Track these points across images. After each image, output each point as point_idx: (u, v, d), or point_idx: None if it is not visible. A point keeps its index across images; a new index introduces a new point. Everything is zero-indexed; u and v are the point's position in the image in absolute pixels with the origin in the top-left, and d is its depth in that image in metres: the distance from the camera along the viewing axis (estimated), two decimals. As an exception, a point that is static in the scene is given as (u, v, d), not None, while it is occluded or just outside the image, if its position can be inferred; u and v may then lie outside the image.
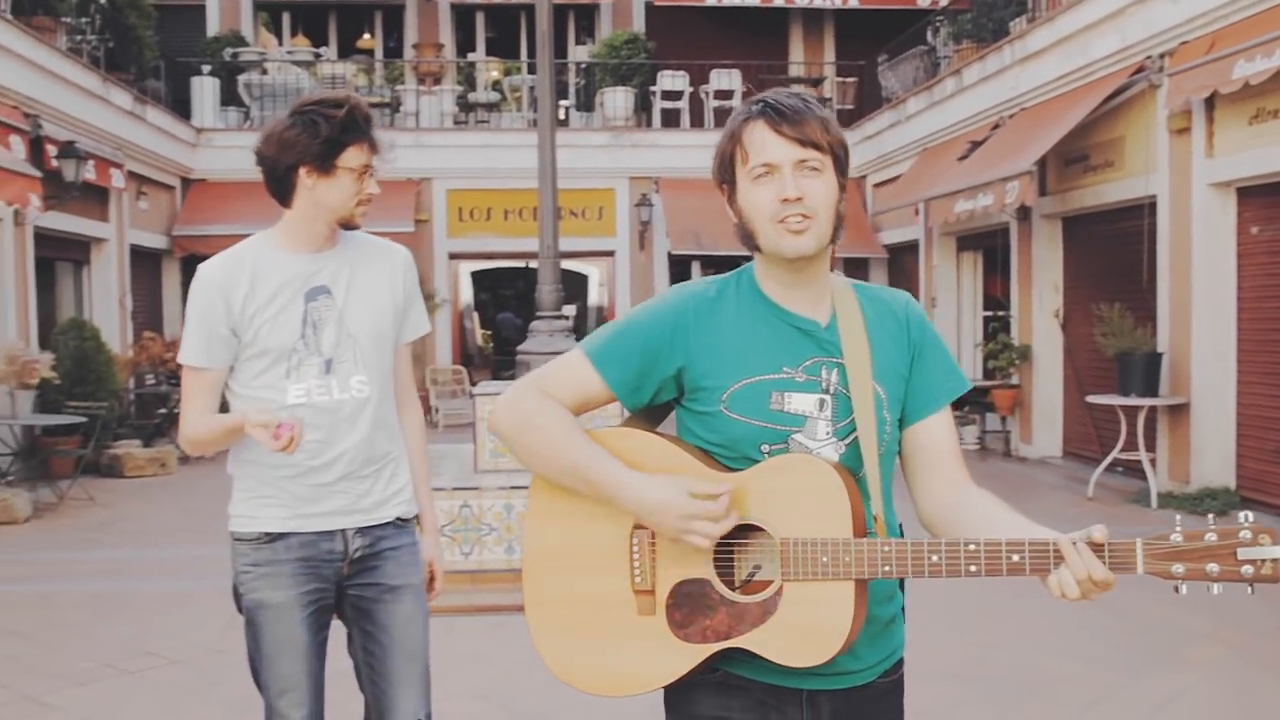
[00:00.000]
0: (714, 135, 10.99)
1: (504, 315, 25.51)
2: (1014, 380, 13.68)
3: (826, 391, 2.07)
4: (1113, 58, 11.11)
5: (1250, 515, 1.79)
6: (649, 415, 2.23)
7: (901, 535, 2.07)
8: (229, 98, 19.41)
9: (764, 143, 2.03)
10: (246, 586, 3.02)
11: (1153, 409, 10.40)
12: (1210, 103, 9.69)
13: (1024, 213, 13.14)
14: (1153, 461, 10.38)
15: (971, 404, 14.63)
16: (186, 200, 18.22)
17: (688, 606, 2.01)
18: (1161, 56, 10.34)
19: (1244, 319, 9.81)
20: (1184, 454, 10.19)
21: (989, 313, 15.52)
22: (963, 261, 16.04)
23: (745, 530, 2.00)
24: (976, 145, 13.46)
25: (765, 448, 2.05)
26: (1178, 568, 1.78)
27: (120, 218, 15.44)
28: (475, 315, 22.44)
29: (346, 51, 21.85)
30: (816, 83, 21.11)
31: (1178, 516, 1.88)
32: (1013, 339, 13.70)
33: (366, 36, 22.09)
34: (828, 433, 2.06)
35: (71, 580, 7.98)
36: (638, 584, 2.03)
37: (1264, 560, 1.76)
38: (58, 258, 14.32)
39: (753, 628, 1.97)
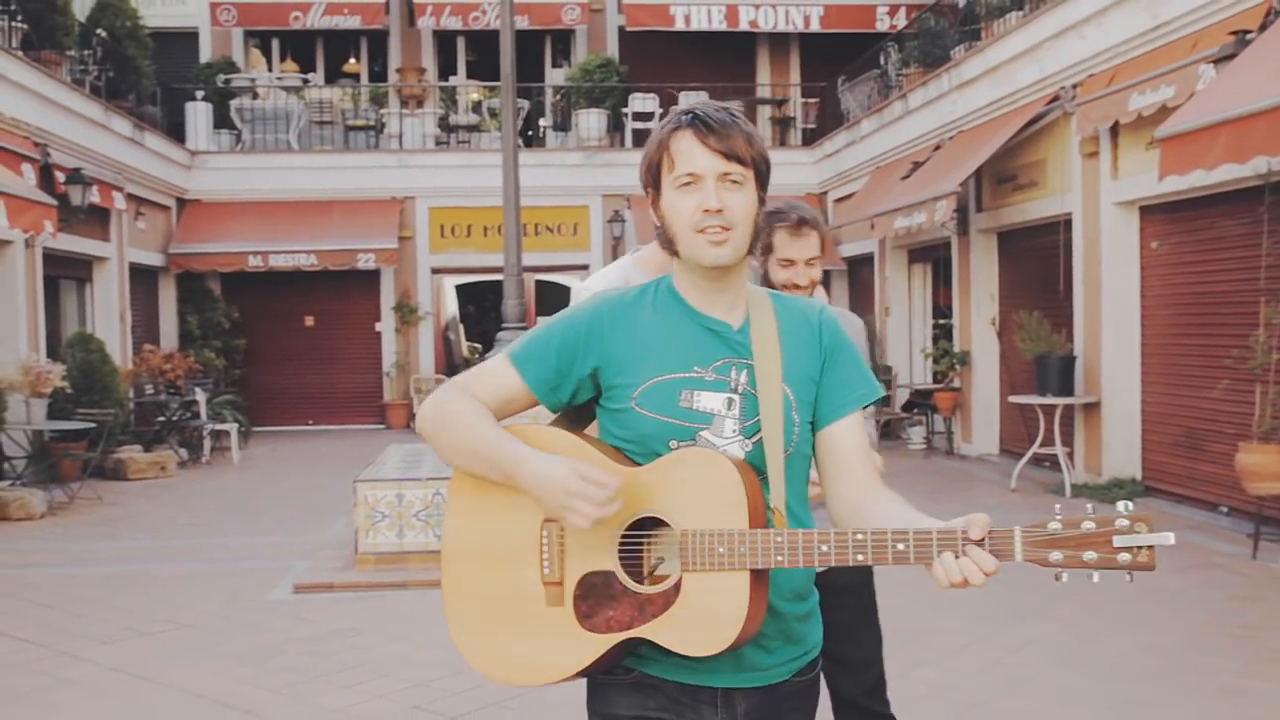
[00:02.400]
0: None
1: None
2: (955, 384, 14.70)
3: (735, 391, 2.13)
4: (1033, 87, 12.16)
5: (1130, 505, 1.82)
6: (575, 418, 2.30)
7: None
8: (221, 121, 20.35)
9: (690, 153, 2.09)
10: None
11: (1069, 407, 11.41)
12: (1114, 129, 10.72)
13: (963, 227, 14.18)
14: (1070, 455, 11.40)
15: (919, 406, 15.70)
16: (181, 220, 19.17)
17: (593, 598, 2.05)
18: (1074, 87, 11.38)
19: (1146, 325, 10.84)
20: (1096, 448, 11.22)
21: (937, 321, 16.56)
22: (913, 273, 17.07)
23: (652, 524, 2.05)
24: (918, 165, 14.49)
25: (673, 444, 2.11)
26: (1055, 555, 1.82)
27: (120, 237, 16.41)
28: (460, 328, 23.36)
29: (333, 76, 22.81)
30: (781, 103, 22.17)
31: (1057, 506, 1.94)
32: (953, 345, 14.72)
33: (352, 61, 23.03)
34: (734, 430, 2.12)
35: (89, 565, 8.94)
36: (547, 576, 2.08)
37: (1140, 548, 1.78)
38: (62, 276, 15.27)
39: (653, 618, 2.02)
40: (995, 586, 6.95)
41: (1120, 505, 1.82)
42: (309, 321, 20.37)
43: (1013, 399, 12.13)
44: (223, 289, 19.69)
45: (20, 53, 13.36)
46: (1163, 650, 6.17)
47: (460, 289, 23.94)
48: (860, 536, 1.92)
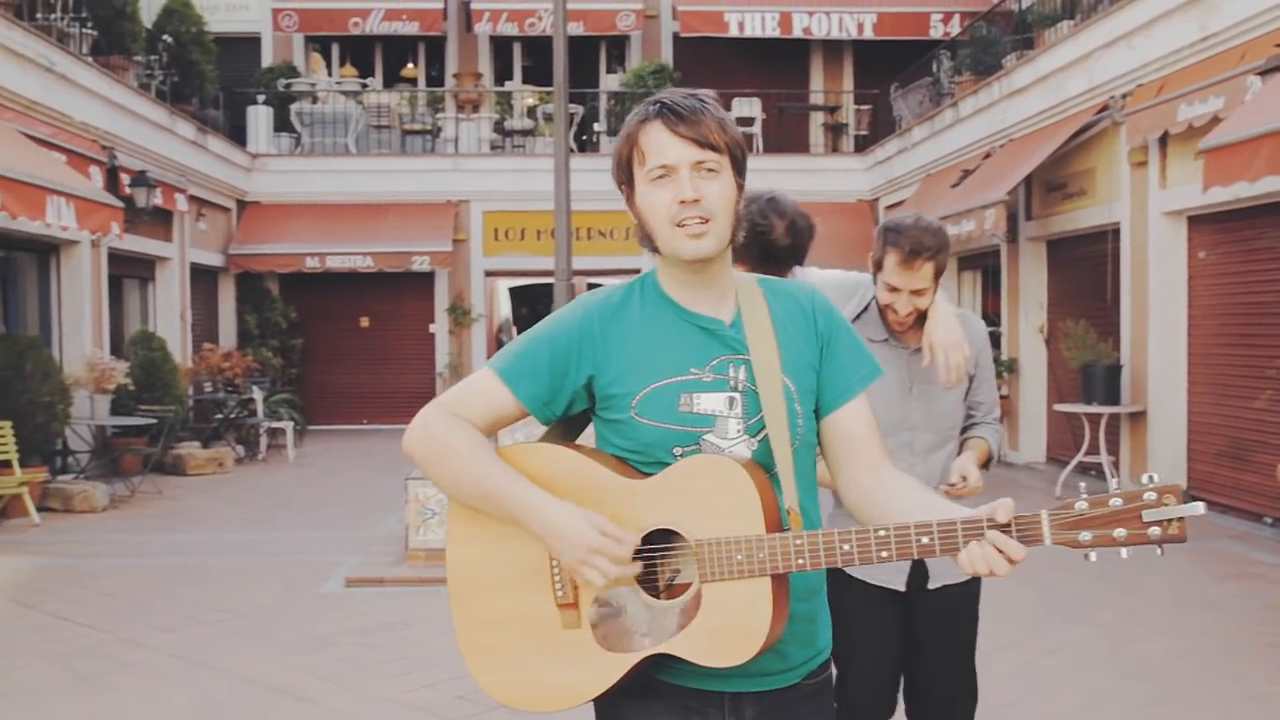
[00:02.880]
0: None
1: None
2: (1003, 392, 14.73)
3: (735, 389, 2.07)
4: (1082, 96, 12.20)
5: (1155, 476, 1.79)
6: (567, 426, 2.23)
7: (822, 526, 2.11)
8: (281, 124, 20.75)
9: (660, 144, 2.02)
10: None
11: (1115, 416, 11.44)
12: (1163, 139, 10.75)
13: (1012, 235, 14.21)
14: (1115, 464, 11.42)
15: (967, 413, 15.68)
16: (241, 221, 19.57)
17: (611, 617, 2.02)
18: (1123, 97, 11.41)
19: (1193, 335, 10.85)
20: (1142, 457, 11.23)
21: (988, 329, 16.57)
22: (963, 280, 17.10)
23: (664, 535, 2.00)
24: (968, 173, 14.55)
25: (678, 450, 2.05)
26: (1085, 535, 1.77)
27: (182, 238, 16.80)
28: (513, 329, 23.62)
29: (391, 81, 23.16)
30: (834, 109, 22.23)
31: (1082, 484, 1.95)
32: (1001, 353, 14.75)
33: (410, 66, 23.36)
34: (739, 430, 2.06)
35: (149, 556, 9.23)
36: (560, 598, 2.03)
37: (1170, 520, 1.75)
38: (126, 275, 15.66)
39: (676, 632, 1.97)
40: (1031, 591, 7.07)
41: (1145, 478, 1.79)
42: (364, 322, 20.71)
43: (1058, 407, 12.16)
44: (280, 289, 20.07)
45: (90, 59, 13.74)
46: (1193, 656, 6.24)
47: (513, 291, 24.23)
48: (883, 533, 1.88)
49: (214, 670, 6.16)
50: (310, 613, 7.40)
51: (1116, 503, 1.78)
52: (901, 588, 3.37)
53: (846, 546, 1.90)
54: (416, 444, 2.11)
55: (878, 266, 3.33)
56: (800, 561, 1.91)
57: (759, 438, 2.06)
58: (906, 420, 3.36)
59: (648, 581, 2.01)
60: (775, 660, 2.07)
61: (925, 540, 1.87)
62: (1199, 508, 1.76)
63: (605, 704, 2.13)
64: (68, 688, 5.87)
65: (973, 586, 3.50)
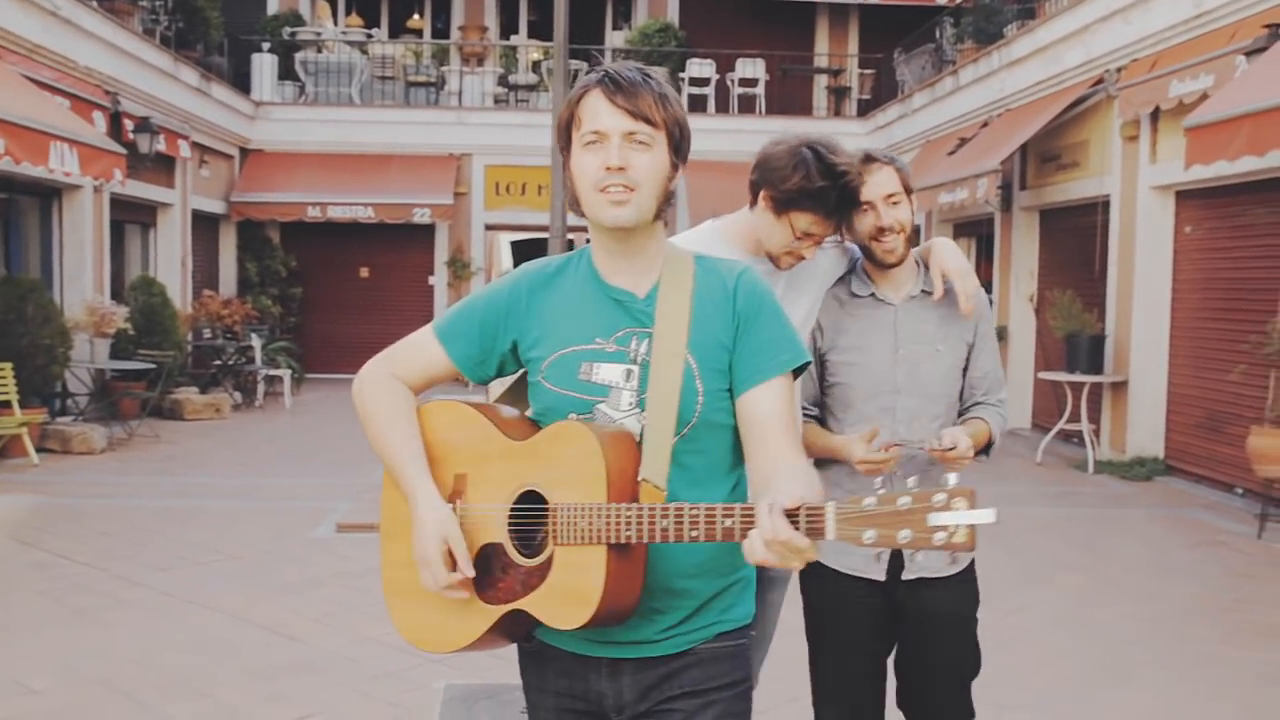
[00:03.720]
0: (738, 120, 13.07)
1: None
2: (992, 358, 14.88)
3: (634, 362, 2.11)
4: (1080, 69, 12.30)
5: (954, 478, 1.68)
6: (520, 389, 2.34)
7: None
8: (286, 73, 20.81)
9: (596, 111, 2.06)
10: None
11: (1097, 385, 11.63)
12: (1155, 114, 10.87)
13: (1006, 204, 14.34)
14: (1096, 432, 11.63)
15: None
16: (244, 169, 19.67)
17: (487, 570, 2.09)
18: (1118, 70, 11.52)
19: (1176, 308, 11.02)
20: (1122, 426, 11.44)
21: (980, 295, 16.72)
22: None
23: (542, 496, 2.06)
24: (964, 141, 14.66)
25: (575, 417, 2.10)
26: (869, 534, 1.71)
27: (184, 185, 16.92)
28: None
29: (397, 32, 23.20)
30: (838, 73, 22.29)
31: (877, 481, 1.93)
32: (992, 320, 14.89)
33: (416, 18, 23.41)
34: (630, 403, 2.10)
35: (145, 498, 9.45)
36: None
37: (957, 526, 1.66)
38: (127, 221, 15.78)
39: (531, 591, 2.03)
40: (1002, 555, 7.29)
41: (949, 477, 1.68)
42: (364, 273, 20.87)
43: (1042, 375, 12.36)
44: (281, 238, 20.21)
45: (95, 3, 13.81)
46: (1154, 618, 6.47)
47: (515, 245, 24.38)
48: (695, 513, 1.87)
49: (207, 609, 6.38)
50: (301, 556, 7.62)
51: (905, 502, 1.69)
52: (880, 577, 3.15)
53: (664, 523, 1.89)
54: (355, 398, 2.28)
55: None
56: (628, 533, 1.92)
57: (646, 409, 2.09)
58: (891, 382, 3.15)
59: (525, 539, 2.06)
60: (649, 629, 2.10)
61: (728, 523, 1.85)
62: (989, 515, 1.64)
63: (521, 667, 2.28)
64: (64, 622, 6.10)
65: (966, 588, 3.25)
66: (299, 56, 20.74)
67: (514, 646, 2.26)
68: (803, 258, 3.00)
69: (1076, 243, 12.95)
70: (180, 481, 10.28)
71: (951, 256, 3.19)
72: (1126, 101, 11.03)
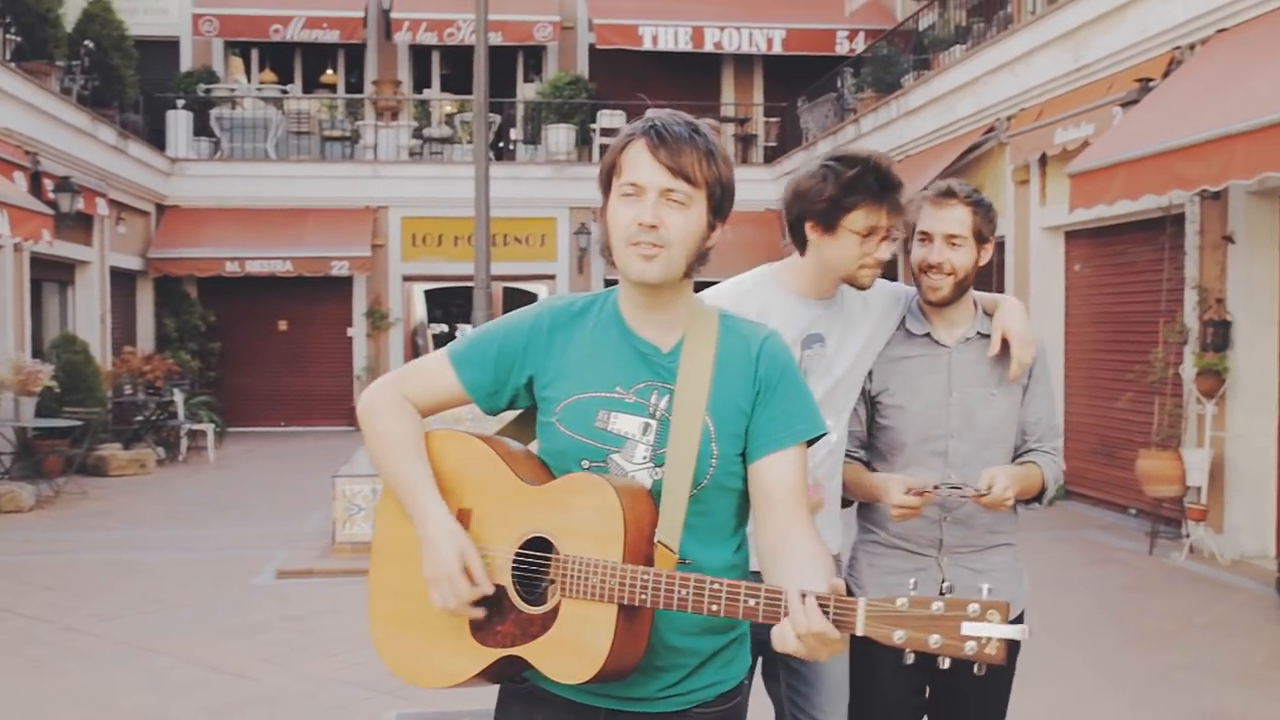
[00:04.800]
0: None
1: (464, 328, 27.14)
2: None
3: (653, 416, 2.09)
4: (972, 117, 13.01)
5: (988, 589, 1.73)
6: (526, 422, 2.32)
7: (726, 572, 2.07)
8: (201, 129, 20.97)
9: (637, 163, 2.04)
10: None
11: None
12: (1043, 159, 11.56)
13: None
14: (1000, 462, 12.22)
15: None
16: (161, 225, 19.75)
17: (486, 612, 2.07)
18: (1008, 119, 12.23)
19: (1070, 341, 11.70)
20: (1023, 455, 12.03)
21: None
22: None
23: (550, 543, 2.04)
24: (867, 187, 15.28)
25: (585, 463, 2.09)
26: (899, 634, 1.71)
27: (103, 243, 17.00)
28: (428, 332, 24.02)
29: (310, 87, 23.45)
30: (744, 121, 22.98)
31: (912, 580, 1.86)
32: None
33: (329, 73, 23.68)
34: (645, 457, 2.08)
35: (81, 553, 9.59)
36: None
37: (988, 639, 1.67)
38: (46, 279, 15.84)
39: (532, 639, 2.01)
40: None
41: (981, 589, 1.73)
42: (283, 326, 21.01)
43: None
44: (199, 293, 20.28)
45: (13, 64, 13.96)
46: (1053, 630, 6.97)
47: (429, 294, 24.65)
48: (716, 587, 1.86)
49: (158, 653, 6.62)
50: (245, 602, 7.86)
51: (938, 607, 1.70)
52: None
53: (684, 592, 1.89)
54: (362, 414, 2.25)
55: (910, 236, 3.13)
56: (643, 597, 1.91)
57: (664, 469, 2.08)
58: (944, 426, 3.06)
59: (527, 584, 2.06)
60: (653, 686, 2.09)
61: (751, 603, 1.84)
62: (1016, 631, 1.67)
63: (499, 706, 2.24)
64: (22, 671, 6.30)
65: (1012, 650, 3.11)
66: (214, 113, 20.92)
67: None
68: (881, 262, 2.89)
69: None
70: (114, 536, 10.42)
71: (1017, 320, 3.11)
72: (1016, 148, 11.72)
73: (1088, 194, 8.51)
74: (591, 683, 1.97)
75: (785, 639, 1.77)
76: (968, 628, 1.68)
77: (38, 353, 14.56)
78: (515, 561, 2.06)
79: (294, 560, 8.94)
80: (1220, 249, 9.11)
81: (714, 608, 1.87)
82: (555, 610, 2.00)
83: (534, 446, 2.26)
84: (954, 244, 3.04)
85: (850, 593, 2.84)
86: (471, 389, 2.21)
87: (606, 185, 2.12)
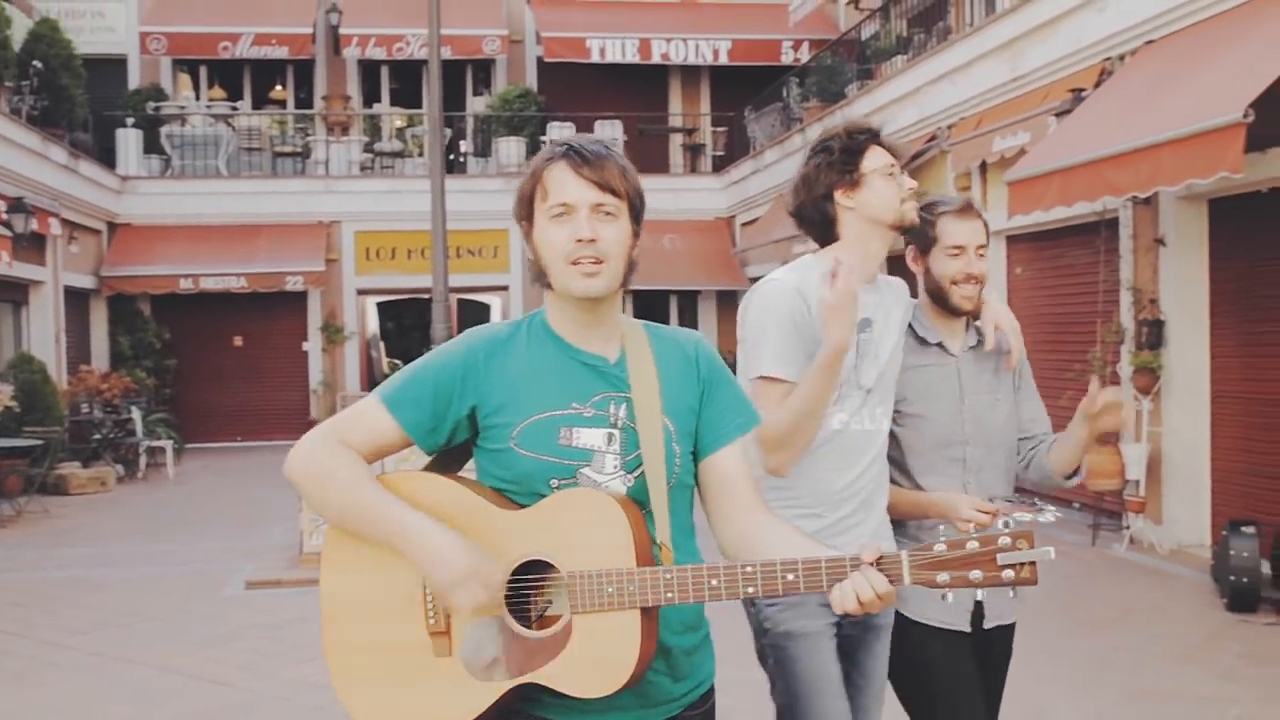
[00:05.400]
0: None
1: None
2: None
3: (614, 426, 2.12)
4: (914, 126, 13.36)
5: (1010, 521, 1.89)
6: (450, 458, 2.29)
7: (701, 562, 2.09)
8: (151, 146, 21.00)
9: (563, 183, 2.08)
10: (774, 620, 2.95)
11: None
12: (983, 167, 11.93)
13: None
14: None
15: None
16: (113, 243, 19.78)
17: (482, 645, 2.06)
18: (949, 128, 12.59)
19: (1013, 343, 12.04)
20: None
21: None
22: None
23: (536, 567, 2.04)
24: (814, 195, 15.62)
25: (555, 482, 2.09)
26: (943, 576, 1.85)
27: (56, 262, 17.04)
28: (381, 345, 24.14)
29: (260, 103, 23.51)
30: (691, 131, 23.30)
31: (941, 526, 2.01)
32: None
33: (279, 89, 23.76)
34: (615, 466, 2.11)
35: (48, 570, 9.70)
36: (432, 626, 2.06)
37: (1023, 564, 1.83)
38: (-1, 299, 15.91)
39: (546, 662, 2.00)
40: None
41: (1000, 523, 1.90)
42: (238, 341, 21.08)
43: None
44: (153, 310, 20.33)
45: (-36, 88, 14.03)
46: (999, 621, 7.29)
47: (381, 306, 24.79)
48: (750, 569, 1.93)
49: (135, 664, 6.78)
50: (216, 613, 8.03)
51: (973, 546, 1.85)
52: (966, 628, 3.22)
53: (715, 582, 1.95)
54: (299, 470, 2.15)
55: (929, 245, 3.20)
56: (670, 595, 1.96)
57: (635, 474, 2.13)
58: (960, 433, 3.19)
59: (519, 612, 2.04)
60: (649, 694, 2.13)
61: (790, 577, 1.92)
62: (1050, 553, 1.85)
63: None
64: (2, 682, 6.44)
65: (1011, 631, 3.42)
66: (164, 130, 20.96)
67: None
68: (915, 190, 2.98)
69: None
70: (79, 553, 10.52)
71: (1007, 313, 3.26)
72: (957, 156, 12.08)
73: (1025, 201, 8.86)
74: (621, 690, 1.99)
75: (846, 599, 1.88)
76: (1004, 558, 1.84)
77: (-7, 373, 14.60)
78: (510, 589, 2.05)
79: (262, 571, 9.09)
80: (1153, 251, 9.50)
81: (750, 589, 1.94)
82: (567, 629, 2.00)
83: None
84: (981, 254, 3.19)
85: (897, 613, 3.14)
86: (411, 429, 2.17)
87: (528, 212, 2.17)
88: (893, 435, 3.16)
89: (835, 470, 2.94)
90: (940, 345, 3.23)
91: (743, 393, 2.31)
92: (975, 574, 1.85)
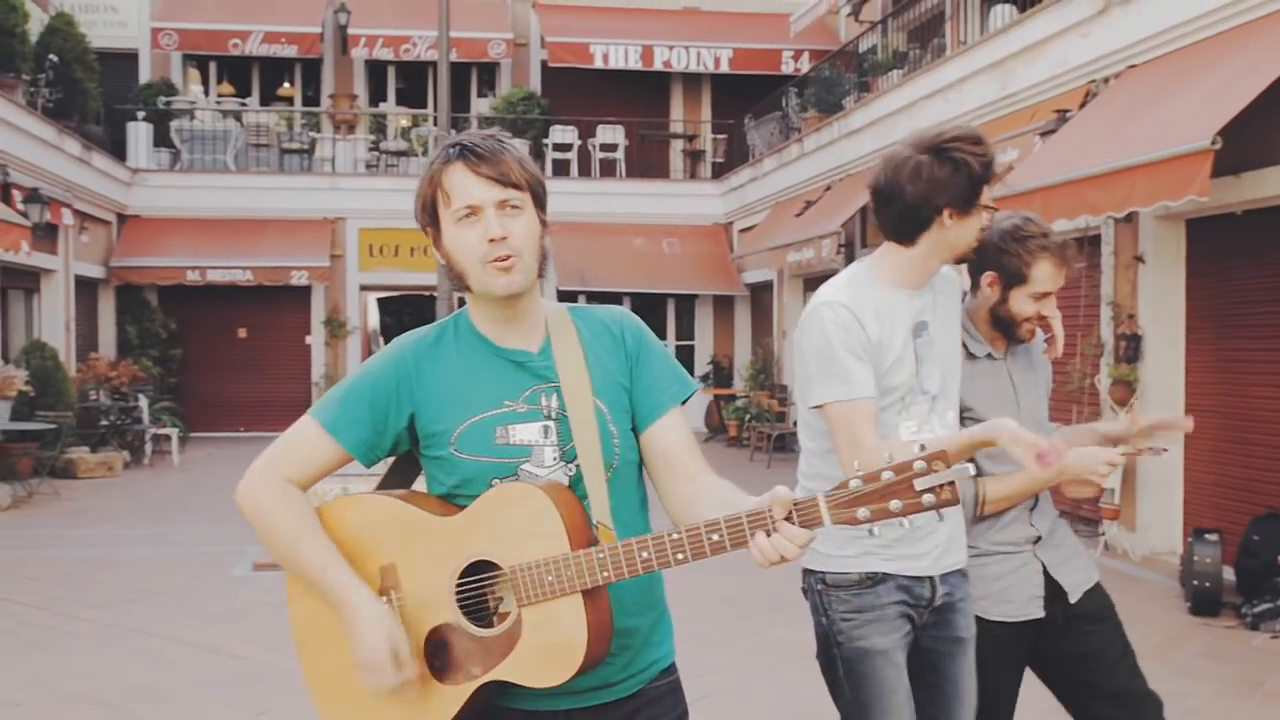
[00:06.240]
0: (600, 184, 14.52)
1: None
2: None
3: (549, 418, 2.12)
4: (908, 140, 13.73)
5: (924, 445, 1.81)
6: (405, 468, 2.31)
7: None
8: (161, 140, 21.36)
9: (464, 185, 2.06)
10: (848, 634, 2.90)
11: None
12: (973, 182, 12.28)
13: (849, 261, 15.71)
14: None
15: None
16: (122, 235, 20.15)
17: (443, 652, 2.07)
18: (942, 142, 12.95)
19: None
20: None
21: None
22: (809, 300, 18.57)
23: (485, 566, 2.05)
24: (810, 204, 16.05)
25: (496, 482, 2.10)
26: (863, 511, 1.80)
27: (67, 252, 17.40)
28: (381, 340, 24.49)
29: (268, 100, 23.88)
30: (692, 138, 23.68)
31: (855, 463, 1.95)
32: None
33: (287, 86, 24.12)
34: (555, 458, 2.12)
35: (62, 549, 10.07)
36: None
37: (942, 485, 1.77)
38: (11, 287, 16.22)
39: (502, 658, 2.02)
40: (756, 586, 8.30)
41: (916, 446, 1.82)
42: (242, 333, 21.46)
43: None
44: (160, 300, 20.68)
45: (-18, 80, 14.40)
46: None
47: (383, 302, 25.15)
48: (676, 536, 1.91)
49: (149, 635, 7.15)
50: (225, 591, 8.40)
51: (888, 476, 1.80)
52: (1041, 614, 3.20)
53: (645, 554, 1.94)
54: (246, 512, 2.19)
55: (1016, 278, 3.11)
56: (605, 574, 1.96)
57: (576, 462, 2.13)
58: None
59: (477, 612, 2.06)
60: (605, 674, 2.13)
61: (715, 537, 1.89)
62: (968, 469, 1.81)
63: None
64: (23, 651, 6.82)
65: (1099, 590, 3.35)
66: (174, 125, 21.32)
67: None
68: (985, 227, 2.98)
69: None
70: (91, 533, 10.89)
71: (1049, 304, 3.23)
72: (949, 170, 12.44)
73: (1009, 216, 9.22)
74: (576, 676, 2.00)
75: (765, 552, 1.85)
76: (921, 482, 1.79)
77: (6, 359, 14.96)
78: (459, 592, 2.06)
79: (268, 554, 9.42)
80: (1132, 268, 9.88)
81: (680, 556, 1.92)
82: (517, 623, 2.03)
83: (419, 486, 2.30)
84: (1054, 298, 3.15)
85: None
86: (352, 448, 2.18)
87: (433, 217, 2.15)
88: None
89: None
90: (989, 356, 3.22)
91: (673, 363, 2.29)
92: (895, 504, 1.80)
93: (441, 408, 2.14)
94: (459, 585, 2.05)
